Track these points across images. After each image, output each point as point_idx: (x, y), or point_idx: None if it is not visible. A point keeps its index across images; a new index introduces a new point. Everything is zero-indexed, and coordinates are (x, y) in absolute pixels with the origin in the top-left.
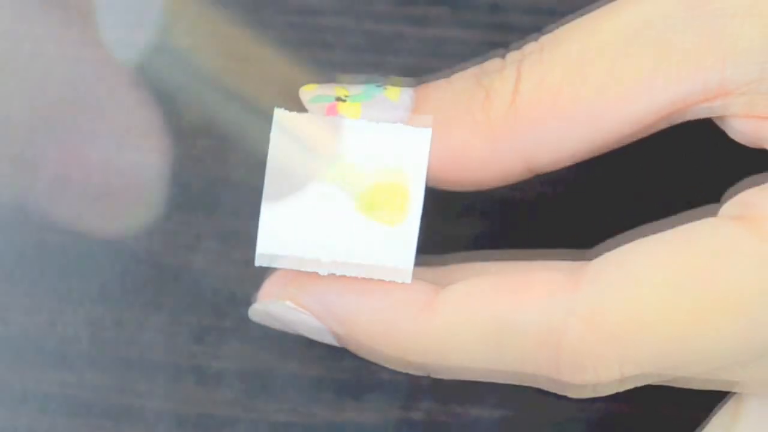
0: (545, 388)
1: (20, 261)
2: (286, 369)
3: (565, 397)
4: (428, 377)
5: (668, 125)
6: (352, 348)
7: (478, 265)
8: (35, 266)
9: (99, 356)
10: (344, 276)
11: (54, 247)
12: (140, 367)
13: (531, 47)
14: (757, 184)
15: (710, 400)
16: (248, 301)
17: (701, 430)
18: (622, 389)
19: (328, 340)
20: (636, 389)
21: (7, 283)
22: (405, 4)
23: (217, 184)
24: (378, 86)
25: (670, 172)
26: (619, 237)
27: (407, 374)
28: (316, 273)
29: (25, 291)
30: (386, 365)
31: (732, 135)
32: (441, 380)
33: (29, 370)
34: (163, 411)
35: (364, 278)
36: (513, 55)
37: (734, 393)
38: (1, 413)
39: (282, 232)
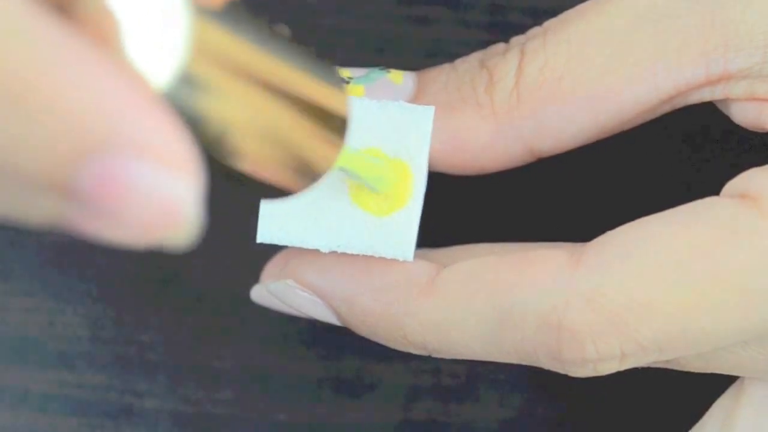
0: (546, 366)
1: (20, 261)
2: (286, 369)
3: (565, 397)
4: (428, 377)
5: (671, 109)
6: (353, 327)
7: (479, 246)
8: (35, 266)
9: (99, 356)
10: (346, 254)
11: (54, 246)
12: (140, 367)
13: (534, 31)
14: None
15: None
16: (248, 302)
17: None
18: (622, 368)
19: (330, 318)
20: (636, 388)
21: (6, 283)
22: (405, 4)
23: (217, 184)
24: (381, 69)
25: (672, 171)
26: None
27: (407, 374)
28: (318, 251)
29: (25, 290)
30: (387, 344)
31: (734, 118)
32: (441, 380)
33: (29, 370)
34: (163, 411)
35: (365, 256)
36: (517, 39)
37: (736, 378)
38: (1, 413)
39: (283, 217)
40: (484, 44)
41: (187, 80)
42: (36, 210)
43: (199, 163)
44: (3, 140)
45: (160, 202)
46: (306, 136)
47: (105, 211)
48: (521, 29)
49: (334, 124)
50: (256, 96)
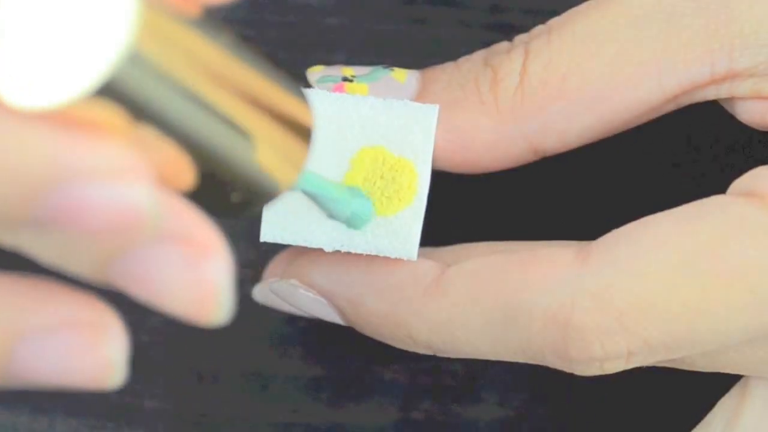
0: (553, 365)
1: (20, 260)
2: (286, 369)
3: (566, 397)
4: (428, 377)
5: (676, 107)
6: (357, 326)
7: (483, 245)
8: (35, 266)
9: None
10: (349, 253)
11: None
12: (140, 367)
13: (539, 29)
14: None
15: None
16: (249, 301)
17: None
18: (629, 367)
19: (334, 318)
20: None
21: None
22: (405, 4)
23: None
24: (385, 68)
25: (677, 170)
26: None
27: (407, 374)
28: (321, 250)
29: None
30: (392, 344)
31: (740, 117)
32: (441, 380)
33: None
34: (163, 411)
35: (369, 255)
36: (520, 38)
37: (740, 377)
38: (1, 413)
39: (286, 215)
40: (484, 44)
41: (140, 66)
42: (79, 262)
43: (143, 163)
44: None
45: (117, 207)
46: (271, 140)
47: (75, 230)
48: (521, 29)
49: (300, 133)
50: (223, 96)
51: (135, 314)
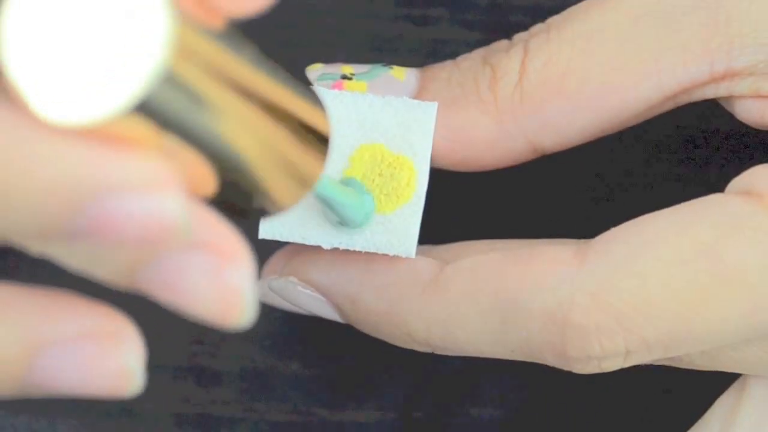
0: (551, 363)
1: (20, 260)
2: (286, 369)
3: (566, 395)
4: (429, 377)
5: (674, 106)
6: (356, 324)
7: (482, 243)
8: (35, 266)
9: None
10: (348, 250)
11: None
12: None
13: (538, 28)
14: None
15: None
16: None
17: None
18: (627, 365)
19: (333, 316)
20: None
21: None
22: (405, 4)
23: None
24: (384, 66)
25: (675, 168)
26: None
27: (407, 374)
28: (320, 248)
29: None
30: (390, 342)
31: (738, 116)
32: (441, 380)
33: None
34: (163, 411)
35: (368, 253)
36: (520, 36)
37: (738, 376)
38: (1, 413)
39: (285, 214)
40: (484, 44)
41: (171, 83)
42: (106, 268)
43: (175, 177)
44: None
45: (151, 218)
46: (292, 150)
47: (110, 242)
48: (521, 29)
49: (317, 142)
50: (247, 109)
51: (135, 314)
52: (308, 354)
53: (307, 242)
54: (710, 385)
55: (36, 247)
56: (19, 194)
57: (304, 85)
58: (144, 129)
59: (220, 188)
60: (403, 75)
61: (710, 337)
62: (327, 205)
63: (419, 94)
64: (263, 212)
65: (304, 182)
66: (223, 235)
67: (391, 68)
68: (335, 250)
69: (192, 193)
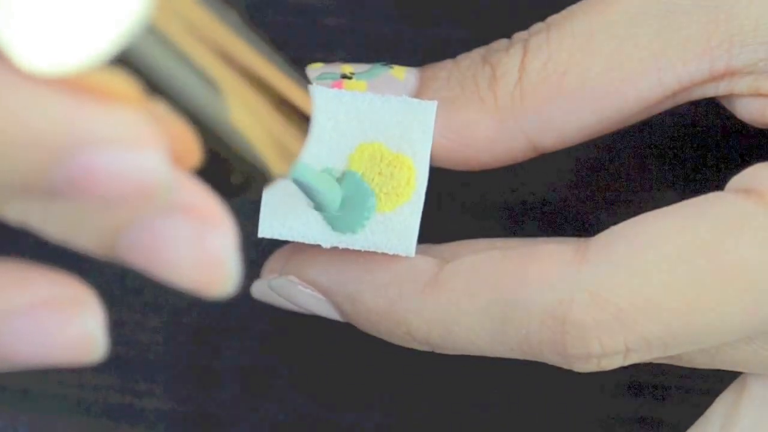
0: (550, 362)
1: (20, 261)
2: (286, 369)
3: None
4: (429, 377)
5: (674, 105)
6: (355, 323)
7: (481, 241)
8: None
9: None
10: (347, 250)
11: (54, 246)
12: (140, 367)
13: (538, 27)
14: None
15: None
16: (249, 300)
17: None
18: (627, 363)
19: (332, 315)
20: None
21: None
22: (405, 4)
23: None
24: (384, 65)
25: (675, 167)
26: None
27: (407, 374)
28: (319, 246)
29: None
30: (390, 341)
31: (738, 114)
32: (441, 380)
33: (29, 370)
34: (163, 411)
35: (367, 252)
36: (520, 35)
37: (738, 374)
38: (1, 413)
39: (284, 211)
40: (483, 44)
41: (154, 37)
42: (86, 235)
43: (154, 130)
44: None
45: (132, 174)
46: (275, 123)
47: (89, 197)
48: (521, 28)
49: (298, 119)
50: (232, 75)
51: (135, 314)
52: (308, 354)
53: (306, 241)
54: (710, 384)
55: (15, 211)
56: None
57: (287, 61)
58: (128, 85)
59: (203, 161)
60: (402, 74)
61: (710, 335)
62: (302, 190)
63: (419, 94)
64: (244, 188)
65: (285, 157)
66: (204, 201)
67: (391, 67)
68: (335, 249)
69: (176, 164)
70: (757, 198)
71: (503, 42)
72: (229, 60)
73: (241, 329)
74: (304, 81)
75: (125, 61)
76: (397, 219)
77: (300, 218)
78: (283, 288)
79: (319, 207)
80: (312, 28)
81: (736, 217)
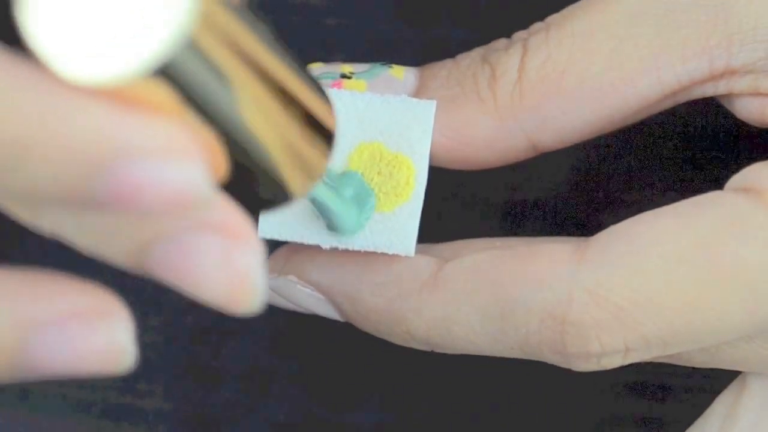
0: (550, 361)
1: (21, 261)
2: (286, 369)
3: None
4: (428, 377)
5: (674, 104)
6: (355, 323)
7: (482, 241)
8: (35, 266)
9: None
10: (347, 250)
11: (54, 246)
12: (140, 367)
13: (537, 26)
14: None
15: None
16: None
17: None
18: (626, 362)
19: (332, 315)
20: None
21: None
22: (405, 4)
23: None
24: (383, 65)
25: (674, 166)
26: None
27: (407, 374)
28: (319, 246)
29: None
30: (390, 340)
31: (738, 113)
32: (441, 380)
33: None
34: (163, 411)
35: (367, 252)
36: (519, 35)
37: (738, 373)
38: (1, 413)
39: (284, 212)
40: (483, 43)
41: (193, 51)
42: (117, 247)
43: (196, 141)
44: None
45: (172, 185)
46: (299, 142)
47: (130, 208)
48: (521, 28)
49: (322, 137)
50: (262, 90)
51: (135, 314)
52: (308, 354)
53: (306, 241)
54: (710, 383)
55: (50, 221)
56: (40, 151)
57: (313, 77)
58: (167, 97)
59: (230, 176)
60: (402, 74)
61: (710, 334)
62: (319, 210)
63: (418, 93)
64: (269, 203)
65: (309, 174)
66: (233, 217)
67: (390, 67)
68: (334, 249)
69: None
70: (756, 197)
71: (503, 41)
72: (260, 75)
73: (241, 329)
74: (329, 98)
75: (165, 73)
76: (396, 219)
77: (299, 218)
78: (283, 288)
79: (333, 228)
80: (312, 28)
81: (735, 216)
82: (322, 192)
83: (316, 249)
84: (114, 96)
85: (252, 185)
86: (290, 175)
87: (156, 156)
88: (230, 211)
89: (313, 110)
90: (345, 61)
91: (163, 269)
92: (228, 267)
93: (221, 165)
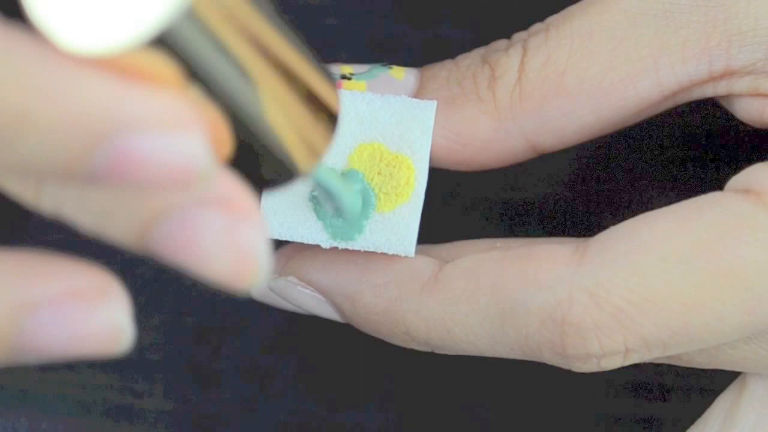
0: (550, 362)
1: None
2: (286, 369)
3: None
4: (428, 377)
5: (674, 105)
6: (355, 323)
7: (482, 242)
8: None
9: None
10: (347, 250)
11: (54, 246)
12: (140, 367)
13: (537, 27)
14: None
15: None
16: (248, 301)
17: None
18: (626, 363)
19: (332, 315)
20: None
21: None
22: (405, 4)
23: None
24: (383, 65)
25: (674, 167)
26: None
27: (407, 374)
28: (319, 247)
29: None
30: (390, 341)
31: (738, 114)
32: (441, 380)
33: (29, 370)
34: (163, 411)
35: (367, 252)
36: (519, 35)
37: (738, 374)
38: (1, 413)
39: (284, 212)
40: (483, 44)
41: (194, 21)
42: (120, 226)
43: (198, 114)
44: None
45: (173, 158)
46: (302, 119)
47: (130, 183)
48: (521, 28)
49: (325, 116)
50: (266, 66)
51: (135, 314)
52: (308, 354)
53: (306, 241)
54: (710, 384)
55: (50, 202)
56: (39, 122)
57: (316, 56)
58: (168, 69)
59: (234, 153)
60: (402, 74)
61: (709, 336)
62: (324, 192)
63: (418, 94)
64: (273, 181)
65: (312, 152)
66: (237, 193)
67: (390, 68)
68: (334, 249)
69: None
70: (755, 198)
71: (503, 42)
72: (263, 50)
73: (241, 329)
74: (333, 78)
75: (165, 43)
76: (396, 219)
77: (300, 218)
78: (283, 289)
79: (340, 212)
80: (312, 28)
81: (734, 217)
82: (325, 172)
83: (316, 249)
84: (114, 67)
85: (256, 162)
86: (294, 153)
87: (157, 128)
88: (234, 187)
89: (316, 87)
90: (345, 61)
91: (166, 247)
92: (232, 242)
93: (225, 141)
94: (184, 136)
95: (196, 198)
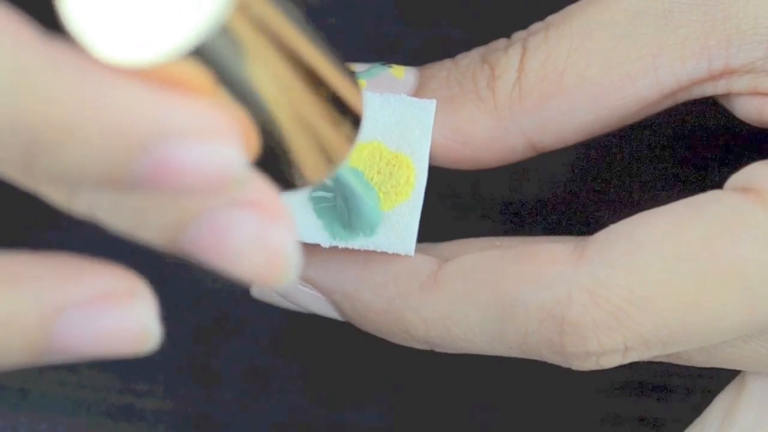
0: (549, 360)
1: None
2: (286, 369)
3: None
4: (428, 377)
5: (673, 104)
6: (354, 322)
7: (482, 240)
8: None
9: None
10: (346, 249)
11: (54, 245)
12: (140, 367)
13: (537, 26)
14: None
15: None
16: (249, 301)
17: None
18: (625, 362)
19: (332, 314)
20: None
21: None
22: (405, 4)
23: None
24: (383, 65)
25: (673, 166)
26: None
27: (407, 374)
28: (319, 246)
29: None
30: (389, 339)
31: (737, 113)
32: (441, 379)
33: (29, 370)
34: (163, 411)
35: (366, 251)
36: (518, 35)
37: (737, 373)
38: (1, 413)
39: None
40: (483, 43)
41: (225, 36)
42: (152, 227)
43: (239, 128)
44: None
45: (212, 165)
46: (326, 124)
47: (170, 189)
48: (521, 28)
49: (348, 121)
50: (289, 72)
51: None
52: (308, 354)
53: (306, 240)
54: (710, 383)
55: (84, 204)
56: (81, 133)
57: (342, 60)
58: (203, 78)
59: (260, 155)
60: (401, 73)
61: (708, 334)
62: (343, 195)
63: (418, 93)
64: (294, 184)
65: (330, 159)
66: (267, 194)
67: (390, 67)
68: (334, 248)
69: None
70: (755, 196)
71: (502, 41)
72: (292, 57)
73: (241, 329)
74: (357, 84)
75: (201, 53)
76: (396, 218)
77: (300, 218)
78: (283, 287)
79: (357, 217)
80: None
81: (734, 215)
82: (347, 174)
83: (316, 248)
84: (153, 78)
85: (279, 165)
86: (318, 155)
87: (196, 136)
88: (264, 189)
89: (342, 92)
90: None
91: (199, 247)
92: (263, 243)
93: (252, 144)
94: (221, 144)
95: (228, 200)
